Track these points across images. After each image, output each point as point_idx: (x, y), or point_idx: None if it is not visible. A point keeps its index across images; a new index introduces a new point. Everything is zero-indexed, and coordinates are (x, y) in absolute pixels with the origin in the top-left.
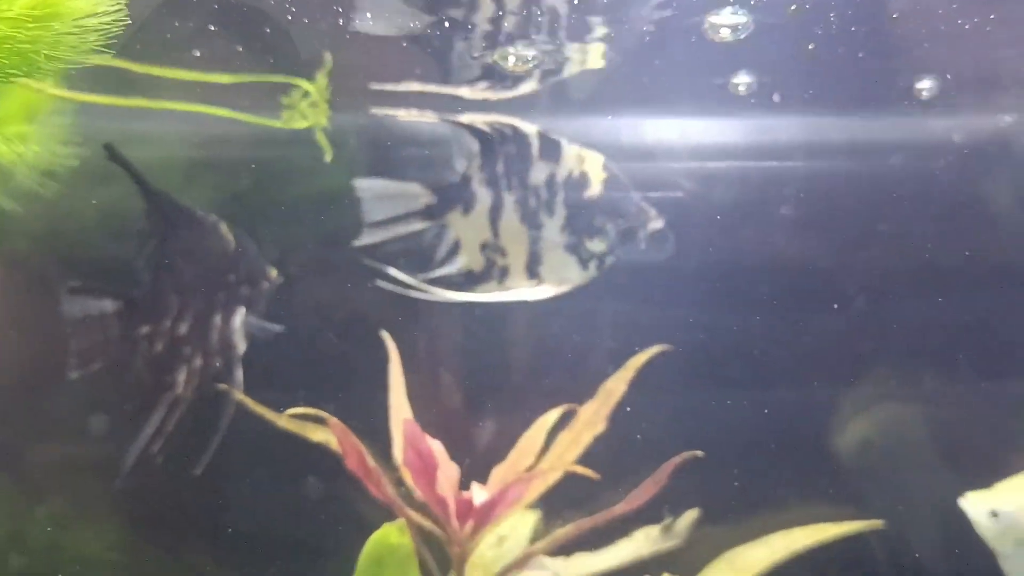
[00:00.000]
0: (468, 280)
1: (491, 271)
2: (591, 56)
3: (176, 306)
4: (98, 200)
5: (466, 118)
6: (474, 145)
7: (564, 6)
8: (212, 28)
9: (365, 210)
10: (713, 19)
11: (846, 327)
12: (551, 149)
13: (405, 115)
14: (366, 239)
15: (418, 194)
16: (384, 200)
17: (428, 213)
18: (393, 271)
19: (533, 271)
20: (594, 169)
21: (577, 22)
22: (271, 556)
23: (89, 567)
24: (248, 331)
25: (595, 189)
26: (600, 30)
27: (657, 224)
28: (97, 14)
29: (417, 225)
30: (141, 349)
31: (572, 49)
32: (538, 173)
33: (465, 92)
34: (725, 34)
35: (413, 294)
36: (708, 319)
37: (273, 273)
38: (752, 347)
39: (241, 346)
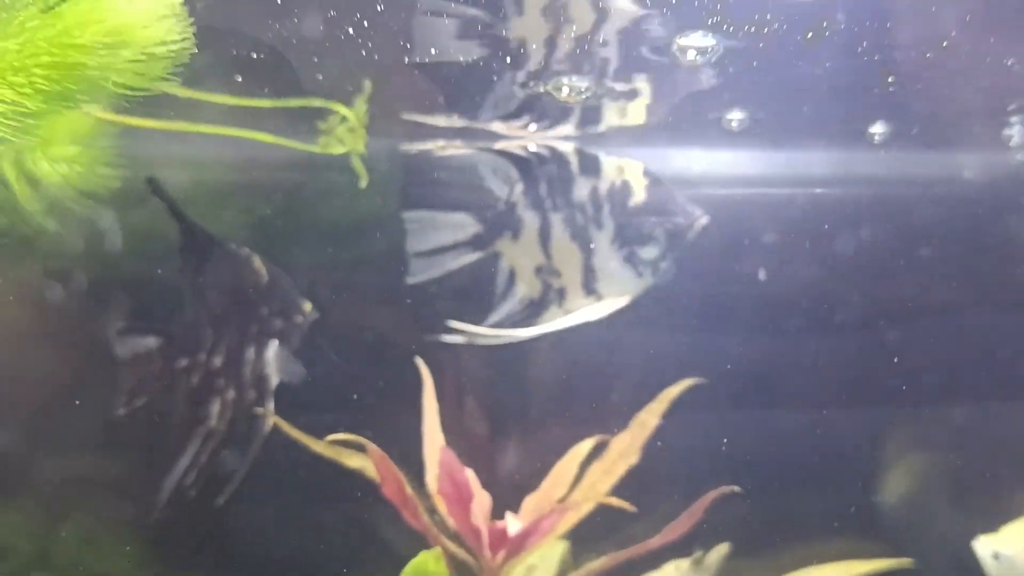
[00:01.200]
0: (529, 310)
1: (548, 295)
2: (632, 111)
3: (211, 339)
4: (135, 222)
5: (500, 145)
6: (512, 171)
7: (615, 56)
8: (251, 55)
9: (413, 241)
10: (682, 41)
11: (881, 357)
12: (590, 164)
13: (438, 148)
14: (418, 274)
15: (465, 223)
16: (431, 231)
17: (478, 242)
18: (458, 324)
19: (590, 288)
20: (635, 176)
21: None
22: None
23: None
24: (281, 366)
25: (639, 196)
26: (644, 87)
27: (704, 221)
28: (166, 43)
29: (468, 256)
30: (179, 383)
31: (615, 95)
32: (581, 189)
33: (500, 127)
34: (692, 55)
35: (481, 342)
36: (741, 350)
37: (308, 307)
38: (784, 380)
39: (274, 379)
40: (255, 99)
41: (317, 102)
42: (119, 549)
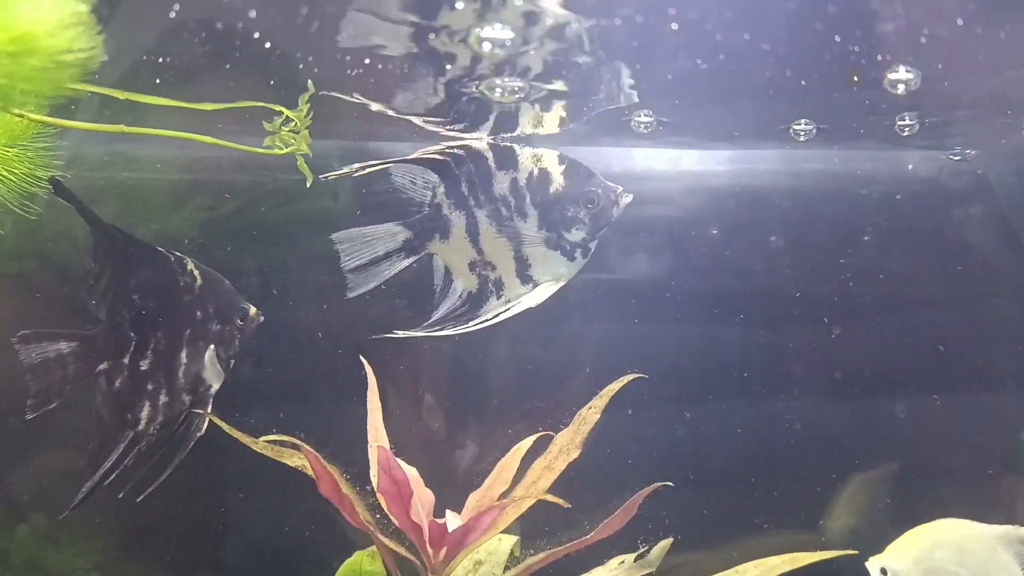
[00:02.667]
0: (470, 304)
1: (487, 288)
2: (548, 121)
3: (134, 342)
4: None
5: (416, 153)
6: (431, 175)
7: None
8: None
9: (346, 260)
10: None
11: (822, 351)
12: (506, 157)
13: (353, 171)
14: (356, 288)
15: (394, 232)
16: (363, 246)
17: (409, 248)
18: (401, 332)
19: (525, 276)
20: (552, 164)
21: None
22: None
23: None
24: (219, 369)
25: (558, 182)
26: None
27: (627, 199)
28: (73, 51)
29: (402, 262)
30: (99, 386)
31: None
32: (500, 183)
33: (417, 121)
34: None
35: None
36: (684, 344)
37: (252, 311)
38: (727, 374)
39: (214, 383)
40: (197, 103)
41: (258, 104)
42: (71, 547)
